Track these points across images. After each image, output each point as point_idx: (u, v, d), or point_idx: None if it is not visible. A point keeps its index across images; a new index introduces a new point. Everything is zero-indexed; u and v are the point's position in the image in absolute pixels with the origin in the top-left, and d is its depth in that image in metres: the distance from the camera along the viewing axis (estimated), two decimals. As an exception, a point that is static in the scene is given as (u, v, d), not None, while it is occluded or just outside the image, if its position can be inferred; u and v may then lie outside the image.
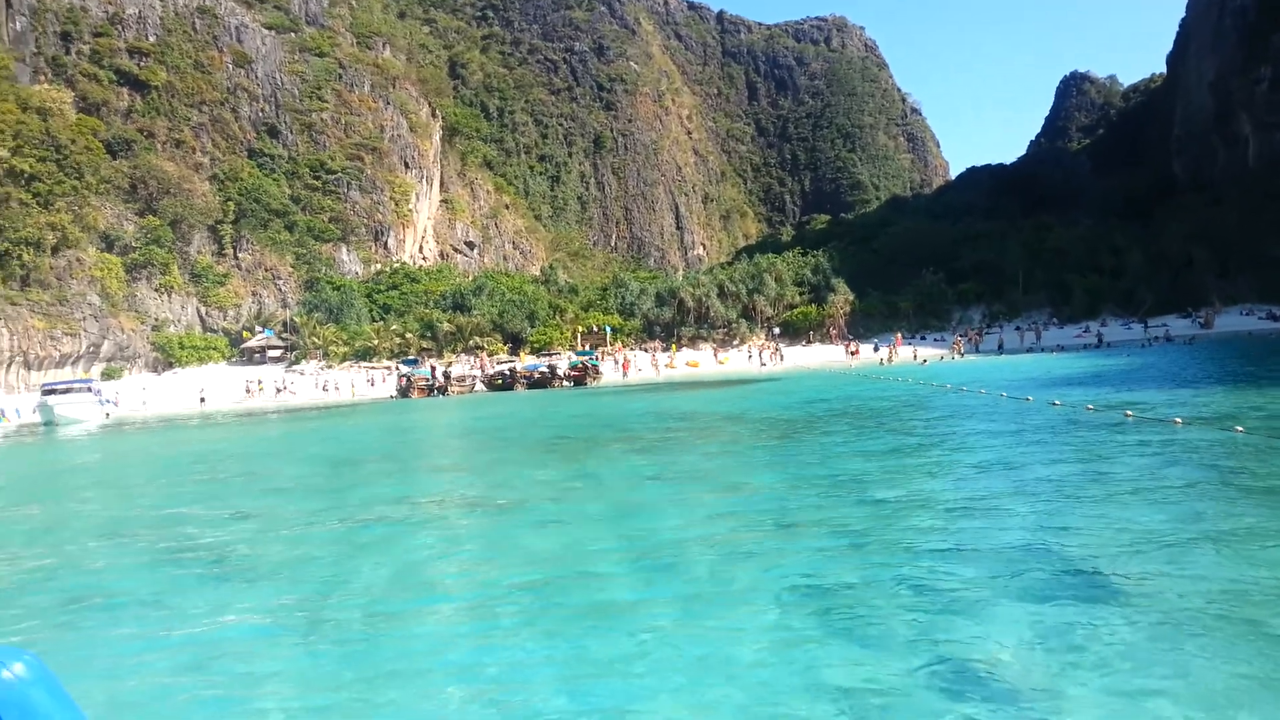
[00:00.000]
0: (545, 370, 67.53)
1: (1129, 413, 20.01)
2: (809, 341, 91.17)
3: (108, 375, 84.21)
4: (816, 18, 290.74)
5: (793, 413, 29.07)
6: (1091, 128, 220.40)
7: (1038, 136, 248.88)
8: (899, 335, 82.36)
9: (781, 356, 79.00)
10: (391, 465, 22.50)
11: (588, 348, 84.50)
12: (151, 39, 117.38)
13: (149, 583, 10.47)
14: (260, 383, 73.91)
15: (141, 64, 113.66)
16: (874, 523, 10.92)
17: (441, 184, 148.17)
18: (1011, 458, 15.06)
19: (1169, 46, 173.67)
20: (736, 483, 14.98)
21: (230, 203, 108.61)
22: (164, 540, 13.10)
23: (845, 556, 9.46)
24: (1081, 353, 65.73)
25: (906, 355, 72.51)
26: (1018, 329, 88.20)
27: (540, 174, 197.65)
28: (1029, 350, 74.06)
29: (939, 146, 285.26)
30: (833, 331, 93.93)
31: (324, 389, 73.62)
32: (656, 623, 7.77)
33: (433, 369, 70.98)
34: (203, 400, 68.56)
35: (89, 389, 60.73)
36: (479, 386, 67.21)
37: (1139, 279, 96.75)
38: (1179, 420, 17.68)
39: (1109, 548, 9.02)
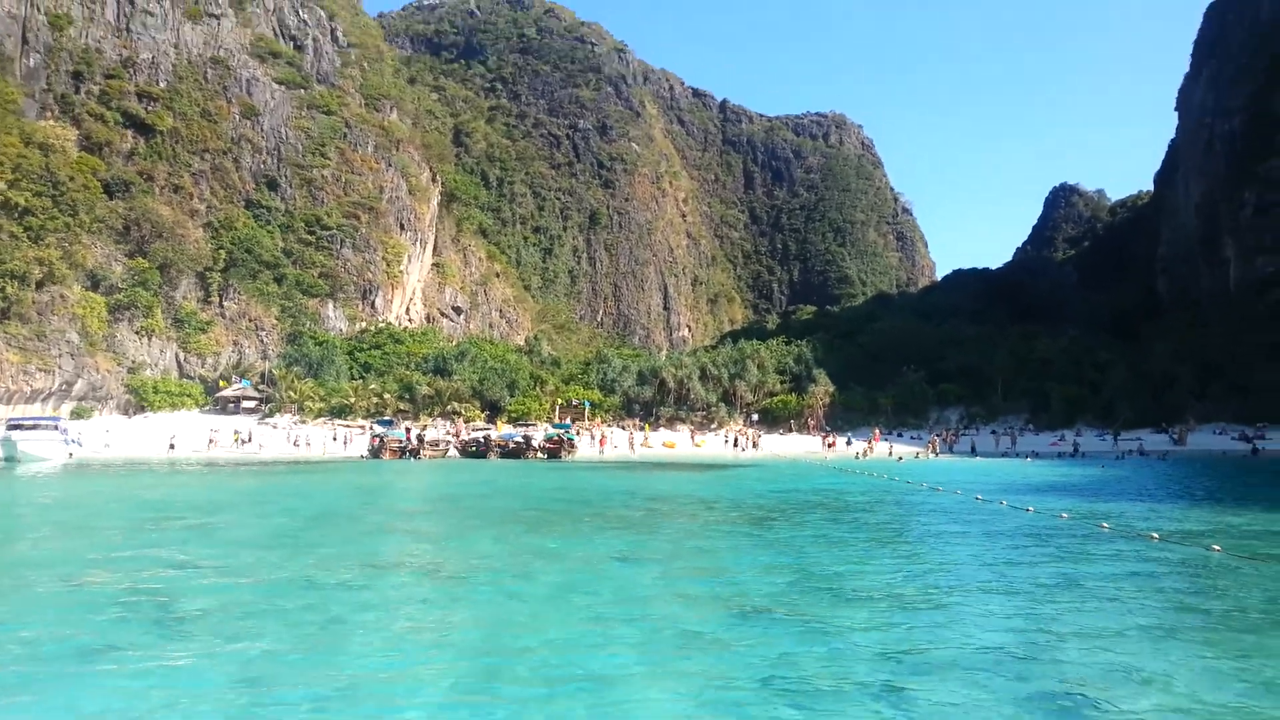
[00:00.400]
0: (520, 440, 67.06)
1: (1105, 524, 19.85)
2: (787, 430, 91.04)
3: (77, 414, 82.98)
4: (816, 113, 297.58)
5: (767, 501, 28.78)
6: (1078, 239, 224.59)
7: (1025, 244, 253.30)
8: (877, 431, 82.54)
9: (756, 444, 78.79)
10: (354, 526, 22.02)
11: (566, 420, 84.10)
12: (162, 84, 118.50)
13: (88, 634, 10.07)
14: (216, 432, 72.79)
15: (149, 108, 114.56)
16: (842, 619, 10.64)
17: (435, 248, 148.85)
18: (983, 562, 14.85)
19: (1157, 165, 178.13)
20: (704, 567, 14.68)
21: (222, 251, 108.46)
22: (107, 591, 12.66)
23: (807, 651, 9.18)
24: (1056, 460, 65.84)
25: (882, 451, 72.54)
26: (994, 433, 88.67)
27: (534, 245, 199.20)
28: (1004, 454, 74.25)
29: (927, 246, 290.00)
30: (810, 422, 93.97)
31: (295, 444, 72.75)
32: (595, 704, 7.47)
33: (407, 431, 70.38)
34: (172, 447, 67.54)
35: (55, 427, 59.75)
36: (452, 452, 66.62)
37: (1119, 393, 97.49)
38: (1155, 535, 17.53)
39: (1077, 663, 8.78)
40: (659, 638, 9.87)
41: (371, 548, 17.91)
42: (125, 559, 15.57)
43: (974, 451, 75.97)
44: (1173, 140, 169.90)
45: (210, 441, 69.76)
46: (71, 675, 8.58)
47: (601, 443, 74.19)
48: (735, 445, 78.62)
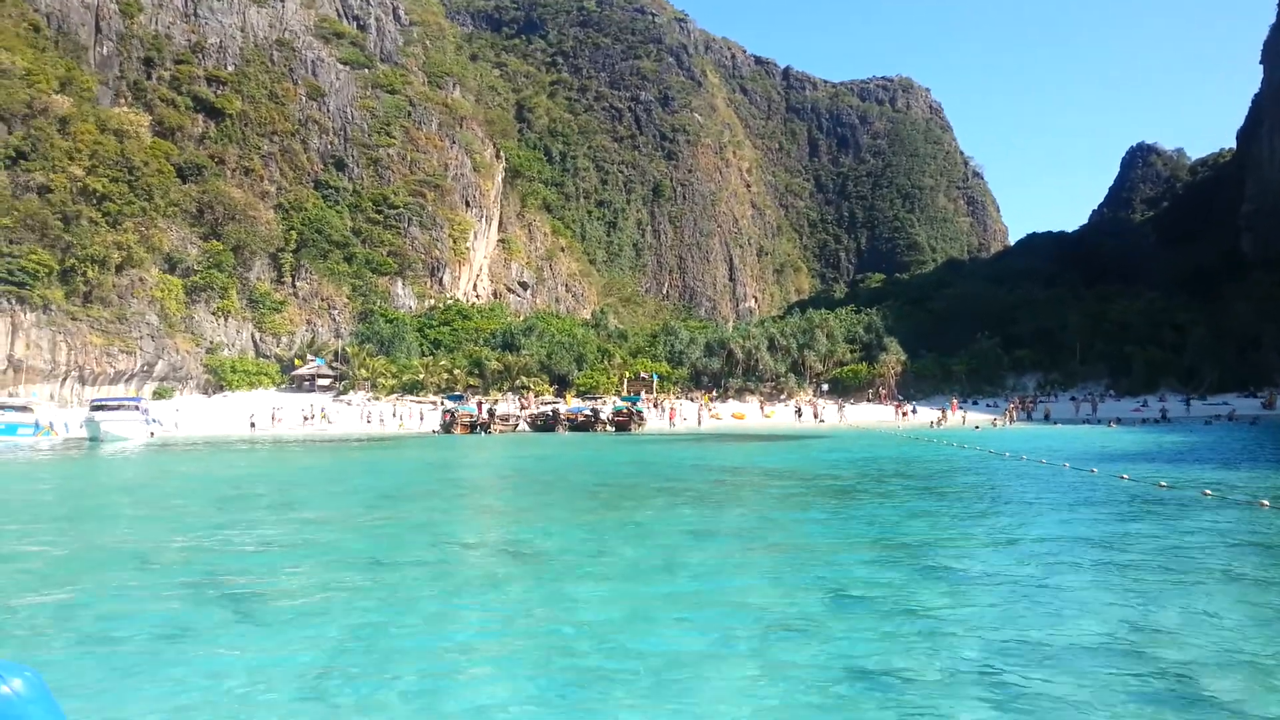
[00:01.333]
0: (589, 414, 67.07)
1: (1207, 491, 18.88)
2: (859, 400, 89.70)
3: (159, 395, 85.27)
4: (882, 77, 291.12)
5: (845, 471, 28.14)
6: (1156, 200, 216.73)
7: (1100, 206, 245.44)
8: (954, 400, 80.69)
9: (818, 414, 77.53)
10: (431, 504, 21.97)
11: (634, 394, 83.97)
12: (230, 68, 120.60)
13: (166, 615, 10.00)
14: (280, 409, 73.85)
15: (218, 92, 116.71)
16: (939, 600, 10.09)
17: (500, 224, 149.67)
18: (1083, 534, 14.11)
19: (1239, 122, 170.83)
20: (787, 544, 14.21)
21: (293, 231, 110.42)
22: (189, 570, 12.66)
23: (907, 640, 8.67)
24: (1140, 427, 63.70)
25: (955, 420, 70.98)
26: (1073, 399, 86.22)
27: (598, 219, 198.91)
28: (1085, 421, 72.10)
29: (999, 211, 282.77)
30: (883, 391, 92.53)
31: (366, 420, 73.80)
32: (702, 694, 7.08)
33: (479, 405, 70.87)
34: (253, 425, 69.00)
35: (136, 407, 61.32)
36: (522, 426, 66.92)
37: (1202, 355, 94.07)
38: (1266, 503, 16.58)
39: (1201, 651, 8.14)
40: (744, 621, 9.45)
41: (447, 526, 17.79)
42: (201, 538, 15.63)
43: (1047, 418, 73.88)
44: (1257, 94, 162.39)
45: (274, 419, 70.77)
46: (147, 658, 8.47)
47: (671, 415, 73.82)
48: (799, 415, 77.68)
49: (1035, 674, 7.52)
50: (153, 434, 59.10)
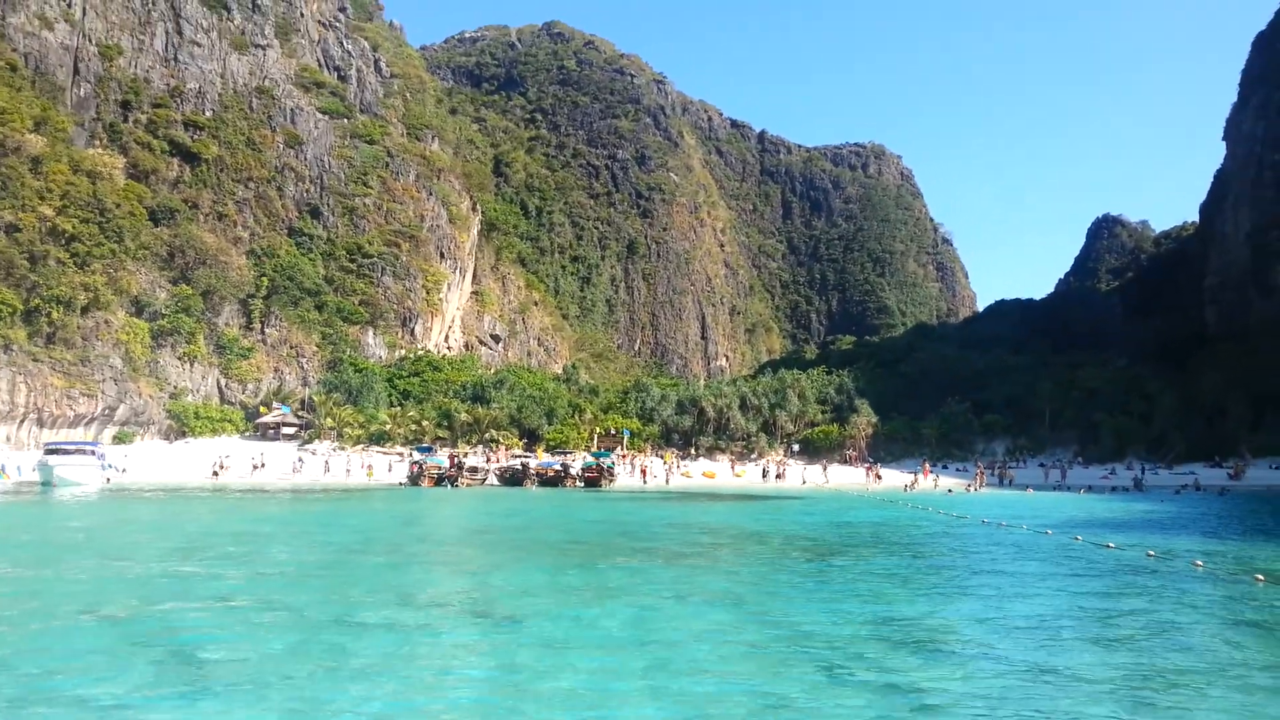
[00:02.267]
0: (559, 469, 66.21)
1: (1198, 562, 18.47)
2: (829, 461, 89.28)
3: (120, 439, 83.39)
4: (855, 144, 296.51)
5: (822, 535, 27.54)
6: (1121, 270, 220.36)
7: (1067, 275, 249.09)
8: (926, 464, 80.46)
9: (782, 475, 77.10)
10: (396, 560, 21.12)
11: (605, 449, 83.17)
12: (208, 114, 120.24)
13: (111, 682, 9.21)
14: (227, 457, 72.03)
15: (195, 137, 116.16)
16: (937, 683, 9.48)
17: (474, 276, 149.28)
18: (1079, 606, 13.60)
19: (1201, 196, 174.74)
20: (769, 613, 13.56)
21: (264, 278, 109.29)
22: (134, 627, 11.84)
23: None
24: (1110, 495, 63.64)
25: (927, 485, 70.68)
26: (1042, 465, 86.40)
27: (572, 274, 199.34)
28: (1055, 488, 72.05)
29: (967, 277, 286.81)
30: (852, 453, 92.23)
31: (327, 470, 72.27)
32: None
33: (451, 458, 69.77)
34: (215, 473, 67.23)
35: (92, 452, 59.65)
36: (491, 479, 65.89)
37: (1170, 424, 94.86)
38: (1261, 578, 16.17)
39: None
40: (733, 699, 8.82)
41: (414, 584, 16.98)
42: (152, 591, 14.77)
43: (1010, 484, 73.60)
44: (1219, 170, 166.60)
45: (220, 467, 68.69)
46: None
47: (644, 473, 72.98)
48: (764, 476, 77.27)
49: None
50: (108, 480, 57.48)
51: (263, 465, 71.96)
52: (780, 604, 14.46)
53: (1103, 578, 17.26)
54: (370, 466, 72.86)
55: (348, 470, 72.48)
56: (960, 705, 8.63)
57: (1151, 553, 20.56)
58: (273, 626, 12.03)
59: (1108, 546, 22.02)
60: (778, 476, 76.94)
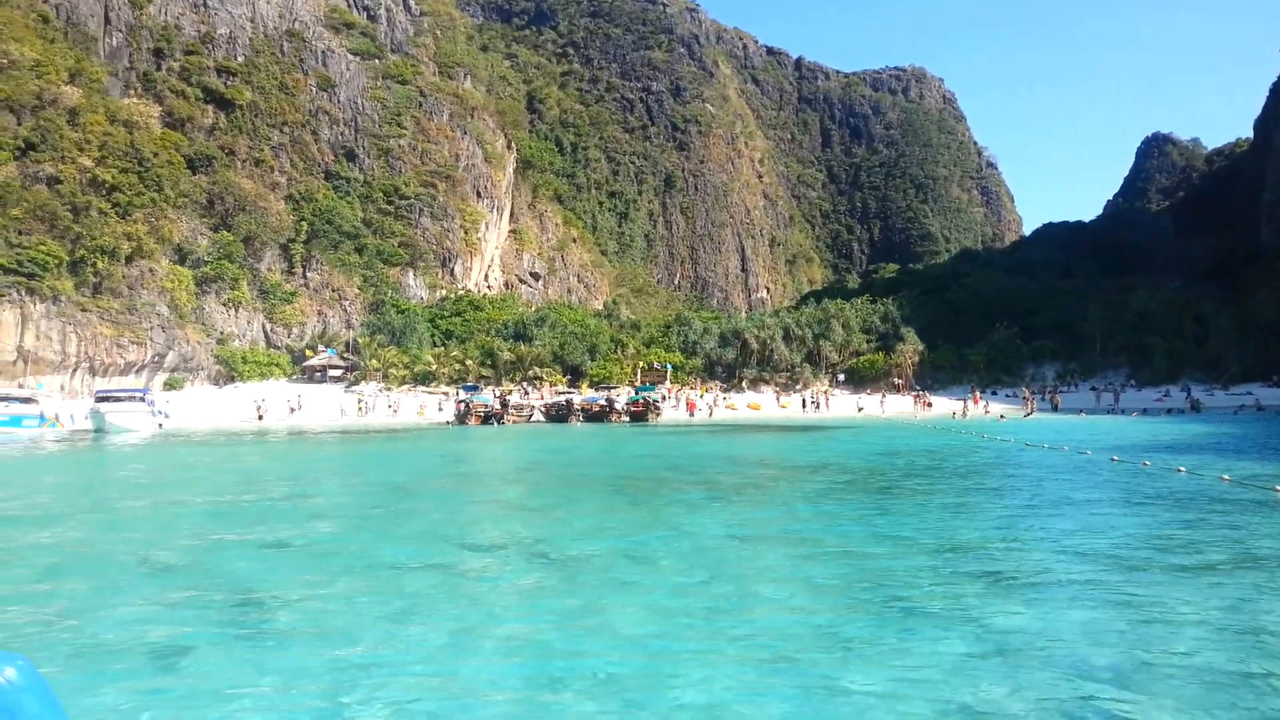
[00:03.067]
0: (604, 404, 66.05)
1: (1278, 488, 17.63)
2: (875, 390, 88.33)
3: (170, 386, 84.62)
4: (895, 68, 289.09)
5: (878, 464, 26.93)
6: (1172, 190, 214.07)
7: (1116, 197, 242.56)
8: (976, 391, 79.17)
9: (820, 405, 76.63)
10: (449, 500, 20.91)
11: (648, 384, 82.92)
12: (240, 59, 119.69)
13: (165, 627, 8.95)
14: (264, 401, 72.07)
15: (228, 83, 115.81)
16: (1022, 618, 8.91)
17: (511, 214, 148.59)
18: (1156, 534, 12.94)
19: (1256, 111, 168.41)
20: (839, 549, 13.02)
21: (303, 222, 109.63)
22: (191, 574, 11.61)
23: (979, 661, 7.54)
24: (1166, 418, 62.32)
25: (976, 411, 69.62)
26: (1093, 389, 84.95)
27: (609, 210, 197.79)
28: (1108, 411, 70.71)
29: (1013, 202, 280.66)
30: (899, 381, 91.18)
31: (360, 411, 72.34)
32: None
33: (497, 395, 69.92)
34: (260, 416, 67.85)
35: (142, 399, 60.38)
36: (536, 416, 65.95)
37: (1225, 345, 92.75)
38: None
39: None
40: (807, 638, 8.35)
41: (470, 524, 16.67)
42: (208, 537, 14.59)
43: (1055, 409, 72.16)
44: (1276, 82, 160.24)
45: (261, 412, 69.14)
46: (144, 671, 7.43)
47: (691, 406, 72.65)
48: (803, 406, 76.81)
49: (1124, 694, 6.42)
50: (160, 425, 58.23)
51: (300, 407, 72.37)
52: (844, 538, 13.93)
53: (1181, 503, 16.50)
54: (423, 406, 73.15)
55: (393, 410, 72.91)
56: (1043, 640, 8.08)
57: (1226, 477, 19.72)
58: (329, 570, 11.74)
59: (1179, 471, 21.19)
60: (815, 406, 76.46)
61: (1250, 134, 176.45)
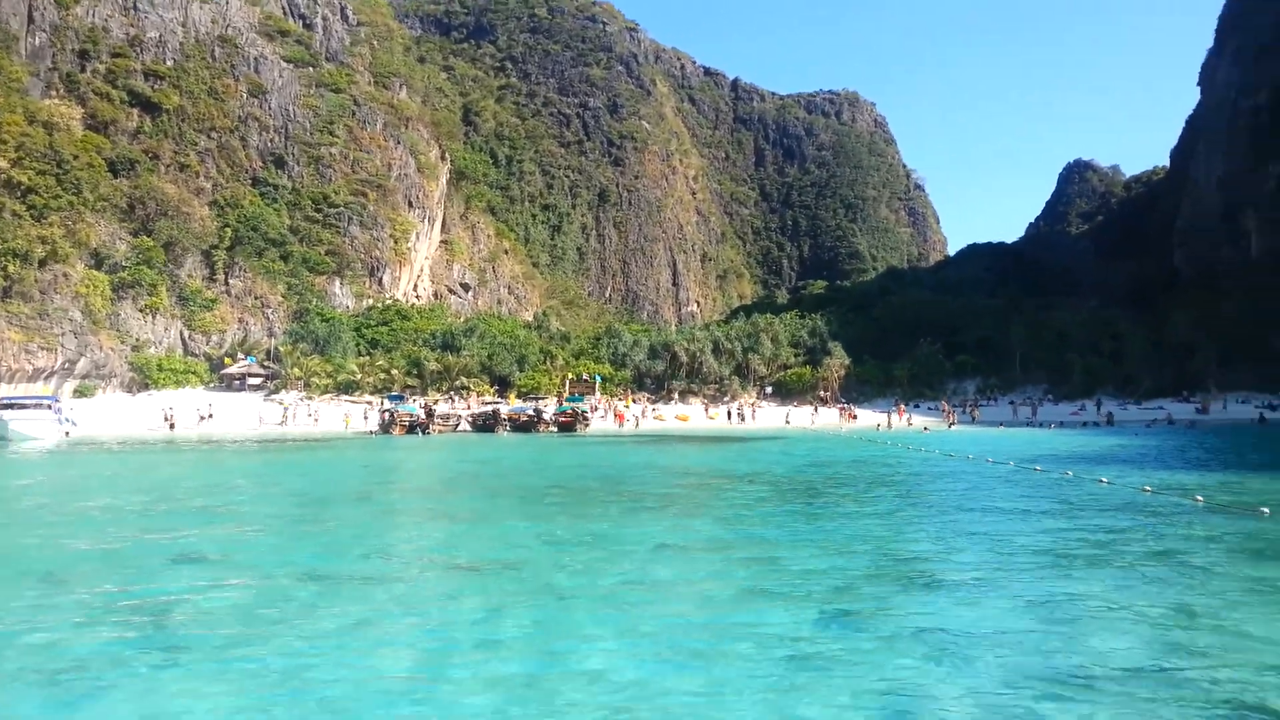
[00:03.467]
0: (531, 414, 65.45)
1: (1199, 497, 18.07)
2: (801, 403, 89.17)
3: (81, 393, 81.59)
4: (829, 91, 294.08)
5: (807, 475, 27.02)
6: (1091, 214, 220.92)
7: (1038, 219, 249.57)
8: (900, 405, 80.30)
9: (744, 416, 77.20)
10: (371, 509, 20.37)
11: (577, 395, 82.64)
12: (169, 63, 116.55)
13: (74, 646, 8.43)
14: (172, 410, 68.97)
15: (155, 86, 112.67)
16: (950, 620, 8.89)
17: (443, 225, 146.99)
18: (1091, 542, 13.08)
19: (1173, 141, 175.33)
20: (765, 558, 12.93)
21: (228, 228, 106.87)
22: (100, 589, 11.02)
23: (924, 667, 7.47)
24: (1082, 430, 64.02)
25: (900, 424, 70.63)
26: (1012, 402, 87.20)
27: (542, 223, 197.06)
28: (1026, 424, 72.42)
29: (939, 222, 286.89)
30: (825, 394, 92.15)
31: (260, 421, 69.83)
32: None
33: (425, 405, 68.79)
34: (172, 425, 65.09)
35: (49, 406, 57.97)
36: (463, 425, 65.07)
37: (1139, 363, 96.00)
38: (1266, 510, 15.75)
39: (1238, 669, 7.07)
40: (738, 650, 8.25)
41: (392, 536, 16.24)
42: (119, 549, 13.96)
43: (974, 421, 73.85)
44: (1192, 115, 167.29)
45: (169, 420, 66.18)
46: (53, 696, 6.96)
47: (620, 418, 72.37)
48: (729, 418, 77.23)
49: (1071, 699, 6.40)
50: (67, 434, 55.97)
51: (210, 415, 69.82)
52: (775, 546, 13.86)
53: (1105, 513, 16.79)
54: (348, 415, 71.56)
55: (314, 419, 71.23)
56: (972, 640, 8.06)
57: (1148, 488, 20.16)
58: (247, 586, 11.28)
59: (1101, 482, 21.61)
60: (740, 418, 76.92)
61: (1167, 162, 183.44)
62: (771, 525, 16.41)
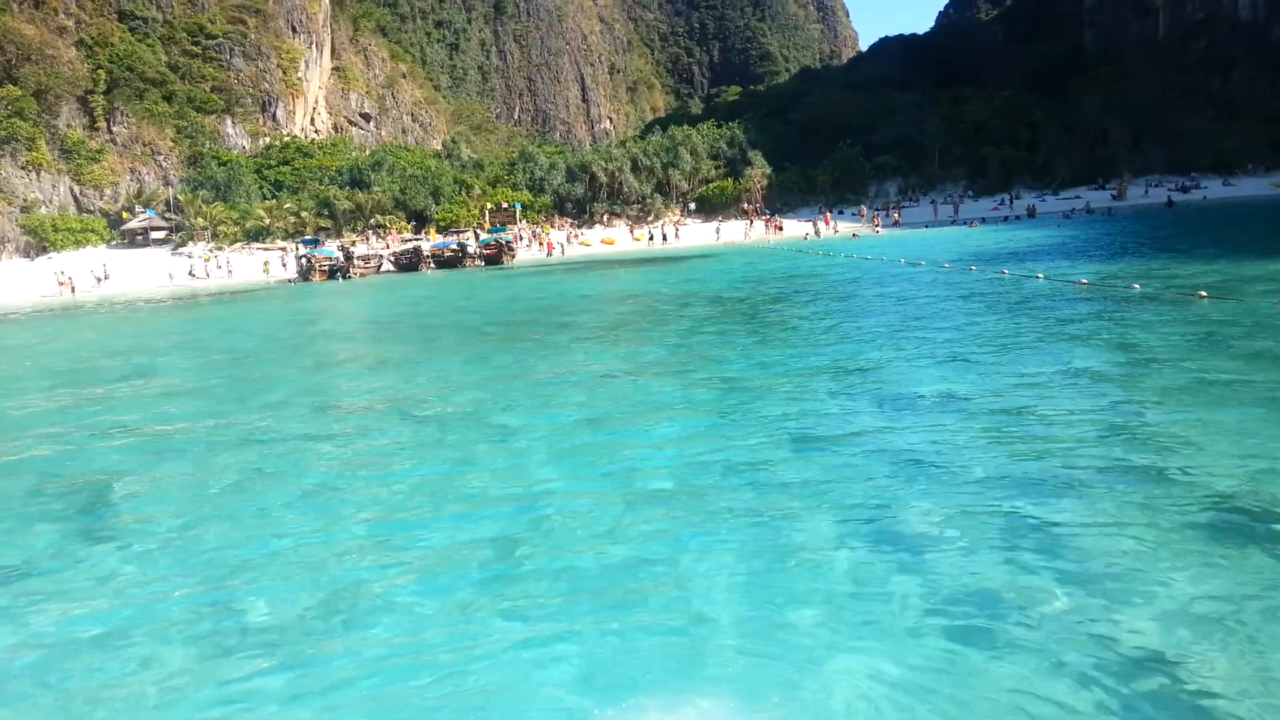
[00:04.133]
0: (455, 248, 63.85)
1: (1135, 285, 18.24)
2: (726, 217, 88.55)
3: (-27, 260, 77.21)
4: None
5: (748, 291, 26.77)
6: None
7: (948, 6, 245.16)
8: (827, 213, 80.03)
9: (666, 236, 76.78)
10: (304, 360, 19.55)
11: (499, 224, 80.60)
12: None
13: (14, 538, 7.76)
14: (62, 273, 65.97)
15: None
16: (921, 434, 8.70)
17: (333, 51, 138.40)
18: (1047, 339, 13.09)
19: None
20: (720, 378, 12.61)
21: (101, 71, 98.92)
22: (22, 466, 10.25)
23: (901, 484, 7.27)
24: (1004, 225, 65.04)
25: (827, 232, 70.79)
26: (933, 202, 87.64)
27: (438, 41, 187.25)
28: (951, 223, 73.19)
29: (849, 16, 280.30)
30: (748, 206, 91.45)
31: (170, 277, 67.09)
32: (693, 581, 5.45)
33: (342, 248, 66.47)
34: (99, 280, 62.14)
35: None
36: (386, 266, 63.28)
37: (1054, 151, 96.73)
38: (1204, 294, 15.94)
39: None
40: (706, 466, 7.94)
41: (330, 386, 15.52)
42: (38, 425, 13.04)
43: (896, 225, 74.39)
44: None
45: (61, 285, 63.43)
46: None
47: (550, 247, 71.06)
48: (650, 240, 76.57)
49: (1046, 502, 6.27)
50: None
51: (106, 276, 66.73)
52: (725, 365, 13.55)
53: (1048, 309, 16.83)
54: (267, 263, 68.85)
55: (227, 270, 68.63)
56: (933, 452, 7.91)
57: (1084, 280, 20.31)
58: (181, 454, 10.57)
59: (1039, 278, 21.73)
60: (664, 238, 76.24)
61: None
62: (713, 344, 16.13)
